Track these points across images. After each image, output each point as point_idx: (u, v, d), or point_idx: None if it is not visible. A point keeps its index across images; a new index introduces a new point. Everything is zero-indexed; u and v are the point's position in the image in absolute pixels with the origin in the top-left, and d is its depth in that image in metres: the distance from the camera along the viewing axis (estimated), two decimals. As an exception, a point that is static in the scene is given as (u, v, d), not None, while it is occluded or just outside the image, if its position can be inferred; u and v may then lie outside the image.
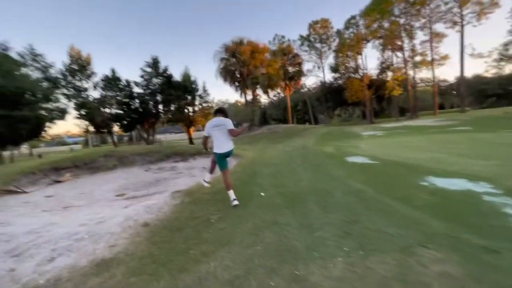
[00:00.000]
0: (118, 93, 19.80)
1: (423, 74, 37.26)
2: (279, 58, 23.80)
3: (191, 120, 24.25)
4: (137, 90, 20.63)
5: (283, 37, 37.29)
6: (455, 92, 62.50)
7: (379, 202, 3.55)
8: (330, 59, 42.81)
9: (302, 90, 49.82)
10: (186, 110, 23.69)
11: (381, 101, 41.93)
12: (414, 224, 2.77)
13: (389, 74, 36.36)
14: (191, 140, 24.84)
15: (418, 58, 33.33)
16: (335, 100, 37.21)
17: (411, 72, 33.50)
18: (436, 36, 32.03)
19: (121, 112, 20.53)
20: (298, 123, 52.01)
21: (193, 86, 23.23)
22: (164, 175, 9.27)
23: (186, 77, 22.92)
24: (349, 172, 5.39)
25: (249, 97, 23.79)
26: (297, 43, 34.81)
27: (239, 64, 21.32)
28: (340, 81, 38.95)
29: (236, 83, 22.90)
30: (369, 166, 5.79)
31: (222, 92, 74.07)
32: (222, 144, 4.07)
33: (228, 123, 4.05)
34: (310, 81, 76.35)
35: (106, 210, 4.61)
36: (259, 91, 23.01)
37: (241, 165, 7.49)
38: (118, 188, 7.64)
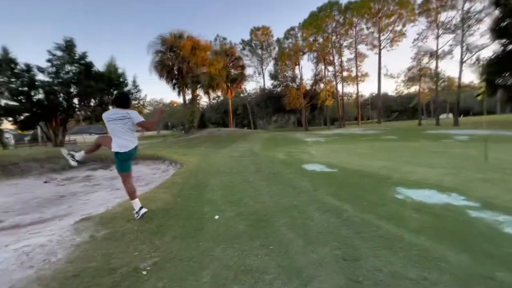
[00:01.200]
0: (12, 79, 15.12)
1: (346, 88, 42.07)
2: (222, 58, 22.77)
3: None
4: (41, 77, 16.25)
5: (224, 38, 36.57)
6: (369, 106, 73.49)
7: (368, 224, 2.87)
8: (270, 66, 44.15)
9: (242, 95, 49.87)
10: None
11: (314, 110, 45.39)
12: (433, 261, 2.11)
13: (321, 85, 39.68)
14: (116, 142, 21.17)
15: (345, 74, 37.36)
16: (274, 106, 38.28)
17: (339, 86, 37.26)
18: (359, 56, 36.55)
19: (15, 104, 15.78)
20: (237, 127, 51.81)
21: (121, 79, 19.90)
22: (72, 189, 6.99)
23: (111, 67, 19.46)
24: (313, 183, 4.71)
25: (188, 97, 21.82)
26: (238, 47, 34.58)
27: (178, 60, 19.16)
28: (279, 89, 40.44)
29: (174, 80, 20.61)
30: (331, 175, 5.27)
31: (156, 90, 67.86)
32: (125, 141, 3.19)
33: (135, 115, 3.19)
34: (250, 86, 77.64)
35: None
36: (199, 91, 21.42)
37: (183, 175, 6.08)
38: (-8, 211, 5.20)
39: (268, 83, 51.74)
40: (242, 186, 4.84)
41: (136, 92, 20.76)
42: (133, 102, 21.71)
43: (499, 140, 10.85)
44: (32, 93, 16.48)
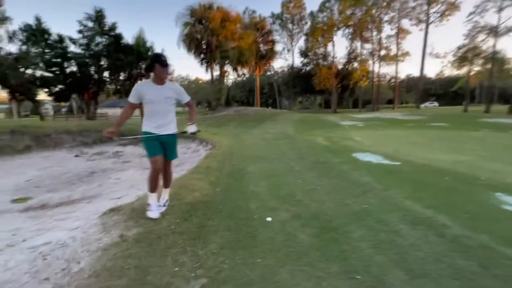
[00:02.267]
0: (46, 50, 15.23)
1: (382, 69, 38.61)
2: (252, 32, 21.31)
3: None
4: (73, 49, 16.24)
5: (254, 11, 34.44)
6: (404, 88, 68.06)
7: (492, 252, 2.03)
8: (300, 42, 41.50)
9: (269, 73, 47.97)
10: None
11: (344, 91, 42.72)
12: None
13: (355, 64, 36.76)
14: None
15: (383, 52, 34.09)
16: (302, 86, 36.41)
17: (376, 65, 34.22)
18: (401, 32, 32.91)
19: (50, 75, 16.03)
20: (262, 107, 50.57)
21: (149, 53, 19.45)
22: (103, 164, 6.74)
23: (140, 41, 19.00)
24: (377, 178, 3.86)
25: (216, 73, 20.98)
26: (268, 21, 32.45)
27: (207, 33, 18.18)
28: (308, 67, 38.14)
29: (202, 55, 19.76)
30: (394, 169, 4.36)
31: (184, 65, 67.56)
32: (164, 123, 2.61)
33: (182, 93, 2.65)
34: (277, 64, 74.72)
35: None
36: (228, 68, 20.45)
37: (217, 158, 5.48)
38: (23, 186, 5.02)
39: (297, 61, 49.19)
40: (288, 177, 4.12)
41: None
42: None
43: None
44: (65, 65, 16.62)
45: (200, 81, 63.58)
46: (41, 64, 15.19)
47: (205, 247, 2.17)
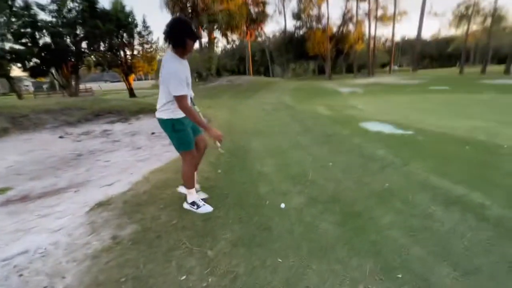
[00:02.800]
0: (12, 19, 13.58)
1: (378, 30, 36.83)
2: (241, -8, 19.45)
3: (129, 65, 19.20)
4: (44, 17, 14.55)
5: (241, -32, 31.23)
6: (399, 51, 66.21)
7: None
8: (293, 3, 38.64)
9: (260, 39, 45.31)
10: (121, 52, 18.44)
11: (338, 56, 41.12)
12: None
13: (350, 26, 34.89)
14: (131, 92, 20.20)
15: (380, 12, 32.20)
16: (295, 51, 34.69)
17: (372, 27, 32.48)
18: (400, -12, 30.75)
19: (21, 48, 14.54)
20: (254, 75, 48.63)
21: (129, 19, 17.73)
22: (90, 145, 6.23)
23: (118, 5, 17.16)
24: (393, 151, 3.54)
25: (205, 39, 19.48)
26: (257, -21, 29.58)
27: (194, -7, 16.45)
28: (301, 31, 36.04)
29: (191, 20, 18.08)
30: (410, 140, 4.04)
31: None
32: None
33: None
34: (269, 28, 70.48)
35: None
36: (217, 34, 18.87)
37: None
38: (3, 174, 4.55)
39: (290, 25, 46.36)
40: (297, 153, 3.77)
41: (147, 35, 18.75)
42: (145, 46, 19.84)
43: None
44: (37, 36, 15.04)
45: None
46: (9, 36, 13.66)
47: (215, 245, 1.85)
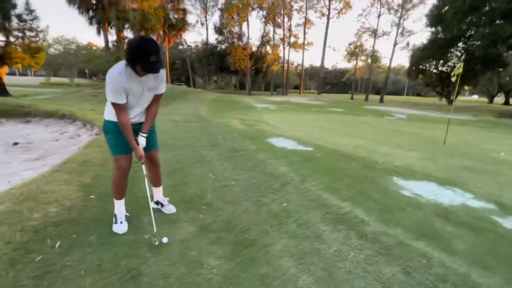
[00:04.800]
0: None
1: (291, 55, 41.42)
2: (159, -5, 18.14)
3: (1, 54, 14.85)
4: None
5: (161, -28, 29.73)
6: (307, 75, 76.43)
7: (411, 251, 1.95)
8: (215, 17, 39.25)
9: (181, 46, 43.74)
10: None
11: (258, 74, 43.95)
12: None
13: (268, 48, 38.00)
14: (2, 88, 15.62)
15: (293, 39, 36.38)
16: (217, 64, 35.03)
17: (286, 51, 36.27)
18: (308, 22, 35.76)
19: None
20: (173, 84, 46.24)
21: (12, 1, 13.89)
22: None
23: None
24: (294, 168, 3.62)
25: (112, 38, 16.99)
26: (179, -13, 28.70)
27: (97, -17, 14.09)
28: (223, 45, 36.86)
29: (91, 12, 15.36)
30: (309, 156, 4.27)
31: (67, 25, 53.16)
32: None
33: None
34: (191, 38, 69.17)
35: None
36: (128, 33, 16.80)
37: (102, 147, 4.14)
38: None
39: (212, 38, 46.87)
40: (198, 170, 3.39)
41: (31, 20, 15.05)
42: (29, 34, 15.85)
43: (432, 120, 11.98)
44: None
45: (94, 47, 52.02)
46: None
47: None
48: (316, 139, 5.53)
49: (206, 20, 33.81)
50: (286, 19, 34.83)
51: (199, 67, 35.80)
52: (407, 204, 2.68)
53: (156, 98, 2.01)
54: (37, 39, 16.01)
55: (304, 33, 34.65)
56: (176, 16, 22.90)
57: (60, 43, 47.90)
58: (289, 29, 35.25)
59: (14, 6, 14.63)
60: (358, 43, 34.13)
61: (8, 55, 15.52)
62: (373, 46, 31.33)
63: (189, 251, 1.82)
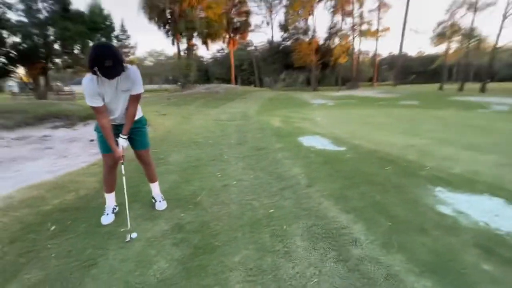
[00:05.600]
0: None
1: (363, 45, 37.57)
2: (223, 1, 19.32)
3: (105, 69, 18.68)
4: (14, 17, 14.04)
5: (229, -21, 31.60)
6: (386, 66, 67.91)
7: None
8: (280, 15, 39.28)
9: (249, 48, 45.56)
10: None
11: (325, 68, 41.74)
12: None
13: (336, 40, 35.57)
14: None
15: (364, 27, 32.99)
16: (282, 62, 34.97)
17: (356, 41, 33.21)
18: (383, 6, 31.75)
19: (-13, 46, 13.93)
20: (243, 85, 48.62)
21: (107, 22, 17.38)
22: (17, 152, 5.72)
23: (96, 9, 16.83)
24: (308, 170, 3.24)
25: (184, 46, 19.23)
26: (245, -9, 29.93)
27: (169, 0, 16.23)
28: (288, 42, 36.48)
29: (167, 26, 17.82)
30: (335, 157, 3.76)
31: (153, 38, 62.63)
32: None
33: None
34: (257, 39, 71.34)
35: None
36: (196, 41, 18.67)
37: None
38: None
39: (278, 36, 47.18)
40: (209, 168, 3.43)
41: (125, 39, 18.38)
42: (123, 50, 19.42)
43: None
44: (5, 35, 14.47)
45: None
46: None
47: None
48: (358, 138, 4.83)
49: (271, 19, 34.16)
50: (357, 6, 31.84)
51: (264, 66, 36.54)
52: (436, 225, 2.02)
53: (133, 99, 2.09)
54: (129, 54, 19.46)
55: (378, 19, 30.89)
56: (239, 19, 24.01)
57: (152, 55, 57.08)
58: (361, 16, 32.09)
59: (114, 29, 18.13)
60: (450, 22, 28.24)
61: (110, 69, 19.33)
62: (472, 23, 25.33)
63: (149, 249, 1.84)
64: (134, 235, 1.98)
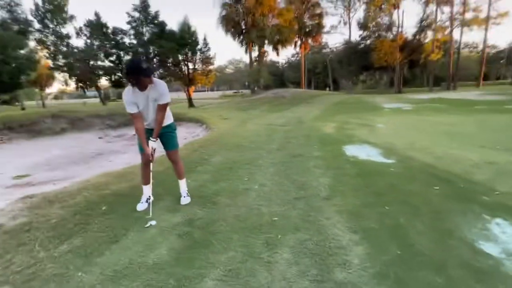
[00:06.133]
0: (104, 42, 17.35)
1: (468, 37, 30.83)
2: (295, 6, 19.42)
3: (190, 78, 21.67)
4: (127, 40, 18.03)
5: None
6: (503, 61, 53.40)
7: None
8: (359, 13, 36.53)
9: (324, 50, 44.12)
10: (185, 67, 20.98)
11: (414, 67, 36.43)
12: None
13: (429, 34, 30.58)
14: (190, 102, 22.63)
15: (469, 15, 27.24)
16: (359, 63, 32.46)
17: (456, 33, 27.73)
18: (498, -14, 25.49)
19: (111, 64, 18.33)
20: (318, 88, 47.43)
21: (193, 38, 20.11)
22: (114, 146, 7.35)
23: (185, 27, 19.71)
24: (336, 181, 3.03)
25: (255, 54, 20.38)
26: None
27: (243, 11, 17.51)
28: (368, 41, 33.56)
29: (241, 36, 19.34)
30: (376, 170, 3.37)
31: (229, 48, 68.07)
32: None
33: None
34: (333, 40, 68.09)
35: None
36: (268, 48, 19.53)
37: (194, 145, 5.28)
38: (39, 163, 5.84)
39: (356, 35, 43.99)
40: (240, 172, 3.63)
41: (206, 51, 20.82)
42: (205, 61, 22.00)
43: None
44: (122, 55, 18.63)
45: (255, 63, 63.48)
46: (101, 55, 17.45)
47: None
48: (416, 149, 4.15)
49: (349, 18, 32.18)
50: (458, -9, 26.61)
51: (339, 68, 34.73)
52: (462, 265, 1.63)
53: (159, 108, 2.48)
54: (210, 64, 21.91)
55: (490, 3, 24.96)
56: (311, 22, 23.64)
57: (232, 63, 62.41)
58: (464, 3, 26.65)
59: (198, 43, 20.78)
60: None
61: (194, 78, 22.26)
62: None
63: (159, 237, 2.13)
64: (153, 222, 2.35)
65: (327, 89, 40.70)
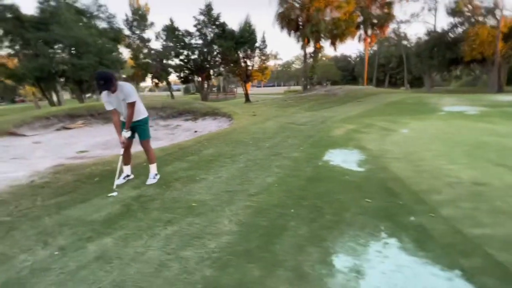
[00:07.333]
0: (176, 44, 20.06)
1: None
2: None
3: (247, 74, 22.82)
4: (193, 41, 20.39)
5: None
6: None
7: None
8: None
9: (405, 42, 38.74)
10: (244, 64, 22.22)
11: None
12: None
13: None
14: (247, 97, 23.87)
15: None
16: (444, 56, 27.45)
17: None
18: None
19: (181, 63, 21.08)
20: (391, 85, 42.37)
21: (252, 36, 21.09)
22: (156, 134, 8.76)
23: (246, 26, 20.78)
24: (274, 183, 3.18)
25: (310, 50, 19.88)
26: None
27: (299, 7, 17.23)
28: (460, 29, 27.91)
29: (298, 33, 19.14)
30: (329, 177, 3.31)
31: (291, 45, 66.23)
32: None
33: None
34: (413, 30, 58.80)
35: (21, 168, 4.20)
36: (324, 43, 18.78)
37: (202, 138, 5.98)
38: (99, 143, 7.60)
39: (443, 23, 36.95)
40: (211, 165, 4.12)
41: (264, 48, 21.49)
42: (262, 58, 22.74)
43: None
44: (189, 54, 21.13)
45: (324, 58, 60.93)
46: (173, 55, 20.27)
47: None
48: (405, 161, 3.76)
49: (435, 4, 27.42)
50: None
51: (416, 63, 30.14)
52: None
53: (128, 106, 3.19)
54: (266, 61, 22.58)
55: None
56: (378, 13, 21.27)
57: (299, 59, 61.49)
58: None
59: (256, 41, 21.65)
60: None
61: (251, 74, 23.34)
62: None
63: (114, 203, 2.87)
64: (115, 193, 3.10)
65: (405, 86, 35.81)
